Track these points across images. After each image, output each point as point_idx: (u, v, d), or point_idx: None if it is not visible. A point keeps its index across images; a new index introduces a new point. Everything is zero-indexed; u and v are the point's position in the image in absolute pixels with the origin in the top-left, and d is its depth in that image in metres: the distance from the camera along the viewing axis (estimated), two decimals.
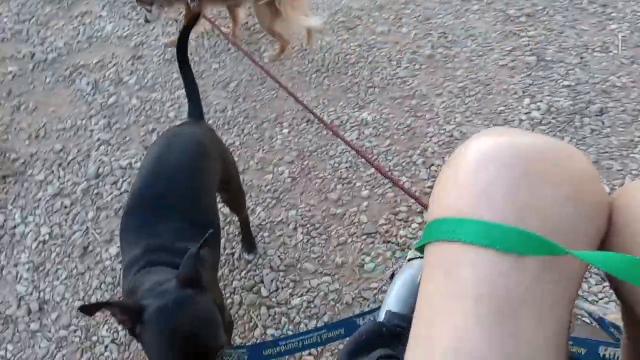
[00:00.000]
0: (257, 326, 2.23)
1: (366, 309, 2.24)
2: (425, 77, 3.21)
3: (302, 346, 1.38)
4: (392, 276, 0.91)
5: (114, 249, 2.54)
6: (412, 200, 2.58)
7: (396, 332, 0.69)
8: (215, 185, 1.89)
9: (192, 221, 1.65)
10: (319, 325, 2.20)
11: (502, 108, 2.93)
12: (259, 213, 2.62)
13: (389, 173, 2.70)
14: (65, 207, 2.75)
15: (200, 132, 1.97)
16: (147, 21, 3.40)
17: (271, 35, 3.41)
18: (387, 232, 2.46)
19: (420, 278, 0.85)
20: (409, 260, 0.90)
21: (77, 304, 2.36)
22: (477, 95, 3.04)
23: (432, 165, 2.72)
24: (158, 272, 1.47)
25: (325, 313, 2.24)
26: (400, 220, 2.51)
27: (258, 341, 2.18)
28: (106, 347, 2.26)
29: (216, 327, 1.33)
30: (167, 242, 1.56)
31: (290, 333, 2.19)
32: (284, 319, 2.25)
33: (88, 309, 1.28)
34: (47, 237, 2.64)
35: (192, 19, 2.08)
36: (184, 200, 1.69)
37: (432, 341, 0.39)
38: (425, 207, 1.56)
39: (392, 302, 0.78)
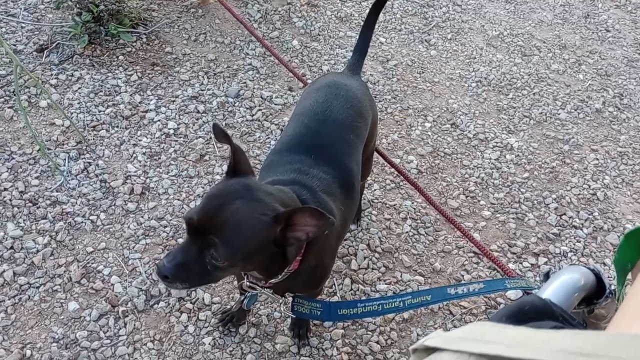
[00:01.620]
0: (336, 294, 2.16)
1: (449, 325, 2.12)
2: (586, 129, 3.02)
3: (382, 310, 1.30)
4: (546, 275, 0.86)
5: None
6: (533, 240, 2.43)
7: (558, 315, 0.62)
8: (362, 147, 1.84)
9: (339, 178, 1.63)
10: (396, 318, 2.11)
11: None
12: (375, 190, 2.55)
13: (509, 207, 2.55)
14: (198, 112, 2.79)
15: (361, 89, 1.94)
16: None
17: None
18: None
19: (583, 282, 0.78)
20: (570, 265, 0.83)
21: (177, 202, 2.38)
22: (634, 166, 2.83)
23: (564, 214, 2.55)
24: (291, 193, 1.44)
25: (407, 311, 2.13)
26: (513, 253, 2.36)
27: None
28: None
29: (237, 233, 1.22)
30: (314, 185, 1.54)
31: None
32: (364, 298, 2.16)
33: (220, 132, 1.30)
34: (171, 131, 2.68)
35: None
36: (338, 155, 1.68)
37: None
38: (501, 268, 1.50)
39: (549, 294, 0.73)
